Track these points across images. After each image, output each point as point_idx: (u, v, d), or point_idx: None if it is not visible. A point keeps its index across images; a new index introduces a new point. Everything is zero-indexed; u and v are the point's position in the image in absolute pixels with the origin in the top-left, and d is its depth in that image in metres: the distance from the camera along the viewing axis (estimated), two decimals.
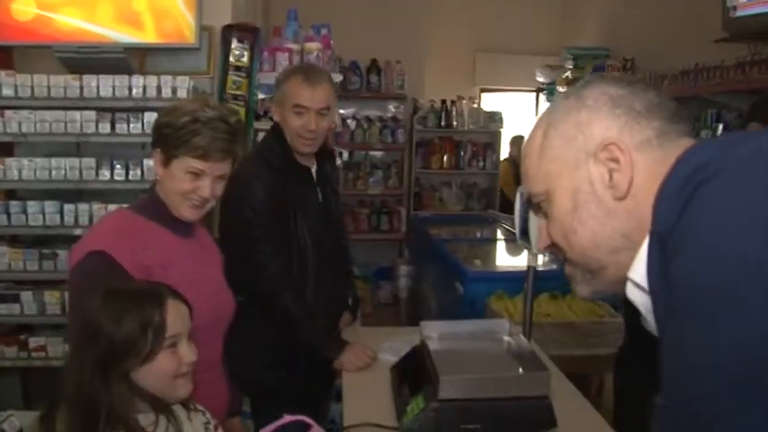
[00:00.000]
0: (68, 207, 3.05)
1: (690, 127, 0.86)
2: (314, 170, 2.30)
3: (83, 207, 3.06)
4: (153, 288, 1.33)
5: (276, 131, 2.24)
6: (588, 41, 6.10)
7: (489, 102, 6.99)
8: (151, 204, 1.67)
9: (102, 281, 1.52)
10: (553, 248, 0.92)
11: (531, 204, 0.93)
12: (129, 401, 1.24)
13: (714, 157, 0.74)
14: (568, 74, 5.87)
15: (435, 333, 1.89)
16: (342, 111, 5.79)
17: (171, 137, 1.58)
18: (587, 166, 0.85)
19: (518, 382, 1.61)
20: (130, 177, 3.05)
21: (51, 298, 3.12)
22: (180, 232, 1.68)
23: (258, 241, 2.12)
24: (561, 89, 6.02)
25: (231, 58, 3.36)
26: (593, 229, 0.85)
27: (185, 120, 1.57)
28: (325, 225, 2.28)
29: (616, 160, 0.82)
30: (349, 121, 6.07)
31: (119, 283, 1.35)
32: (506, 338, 1.92)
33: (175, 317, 1.30)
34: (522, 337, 1.85)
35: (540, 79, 6.51)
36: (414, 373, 1.78)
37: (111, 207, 3.06)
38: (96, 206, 3.06)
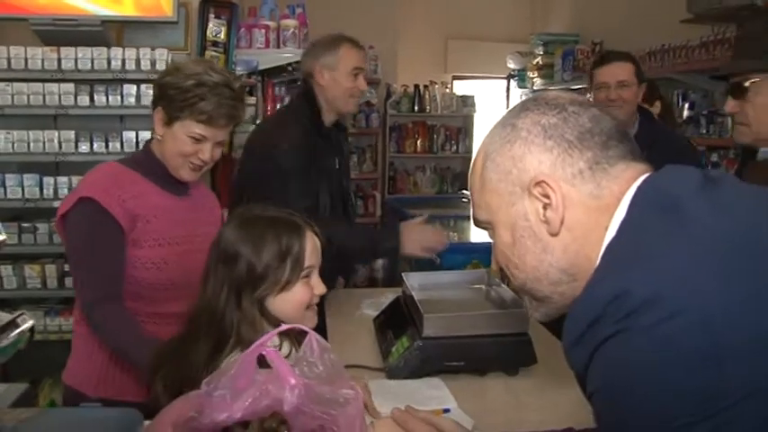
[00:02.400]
0: (47, 180, 3.05)
1: (628, 145, 0.86)
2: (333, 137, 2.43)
3: (62, 180, 3.06)
4: (291, 218, 1.33)
5: (308, 95, 2.34)
6: (558, 27, 6.22)
7: (461, 89, 7.07)
8: (146, 161, 1.70)
9: (94, 225, 1.59)
10: (503, 272, 0.95)
11: (479, 225, 0.95)
12: (257, 327, 1.25)
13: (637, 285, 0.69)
14: (539, 60, 5.98)
15: (417, 283, 1.96)
16: None
17: (175, 98, 1.59)
18: (522, 201, 0.85)
19: (498, 320, 1.69)
20: (110, 150, 3.05)
21: (31, 272, 3.11)
22: (172, 190, 1.72)
23: (291, 189, 2.18)
24: (532, 74, 6.14)
25: (208, 34, 3.38)
26: (532, 264, 0.86)
27: (191, 83, 1.58)
28: (339, 192, 2.40)
29: (548, 196, 0.82)
30: None
31: (255, 211, 1.35)
32: (485, 287, 1.99)
33: (312, 248, 1.31)
34: (502, 284, 1.93)
35: (511, 66, 6.62)
36: (397, 318, 1.85)
37: None
38: (76, 179, 3.05)
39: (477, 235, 4.44)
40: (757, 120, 1.55)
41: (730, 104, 1.61)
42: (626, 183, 0.82)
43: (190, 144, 1.62)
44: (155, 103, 1.66)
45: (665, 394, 0.66)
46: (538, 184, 0.83)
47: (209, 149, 1.65)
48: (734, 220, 0.74)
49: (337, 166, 2.41)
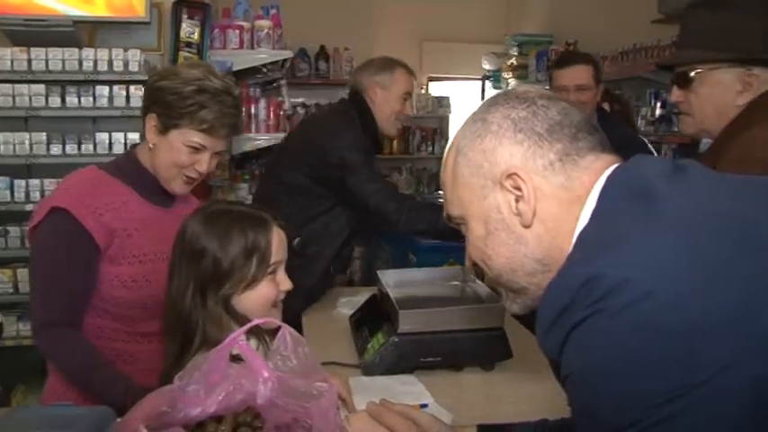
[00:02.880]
0: (18, 183, 3.00)
1: (597, 137, 0.87)
2: None
3: (34, 183, 3.01)
4: (258, 213, 1.30)
5: (360, 104, 2.37)
6: (532, 28, 6.27)
7: (437, 90, 7.10)
8: (130, 168, 1.58)
9: (63, 240, 1.48)
10: (477, 268, 0.95)
11: (451, 221, 0.97)
12: (223, 325, 1.23)
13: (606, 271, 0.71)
14: (513, 60, 6.02)
15: (392, 280, 1.96)
16: (291, 99, 5.80)
17: (174, 105, 1.48)
18: (494, 194, 0.86)
19: (474, 315, 1.70)
20: (83, 152, 3.02)
21: (3, 276, 3.06)
22: (157, 201, 1.61)
23: (366, 180, 2.22)
24: (506, 75, 6.18)
25: (182, 35, 3.36)
26: (506, 256, 0.88)
27: (191, 89, 1.48)
28: None
29: (519, 188, 0.84)
30: (298, 108, 6.09)
31: (221, 206, 1.32)
32: (460, 283, 2.00)
33: (278, 244, 1.28)
34: (477, 281, 1.94)
35: (487, 67, 6.65)
36: (373, 315, 1.85)
37: None
38: (48, 182, 3.01)
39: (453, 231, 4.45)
40: (701, 110, 1.55)
41: (675, 94, 1.61)
42: (596, 173, 0.84)
43: (187, 154, 1.51)
44: (147, 108, 1.54)
45: (638, 375, 0.67)
46: (509, 176, 0.85)
47: (206, 160, 1.54)
48: (701, 204, 0.76)
49: None
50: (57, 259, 1.49)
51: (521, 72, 5.88)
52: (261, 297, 1.27)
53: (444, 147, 4.46)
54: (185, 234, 1.27)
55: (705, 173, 0.85)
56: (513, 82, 6.08)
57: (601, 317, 0.69)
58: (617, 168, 0.84)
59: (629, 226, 0.75)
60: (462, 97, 7.06)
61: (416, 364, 1.67)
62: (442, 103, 6.42)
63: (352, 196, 2.23)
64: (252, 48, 3.48)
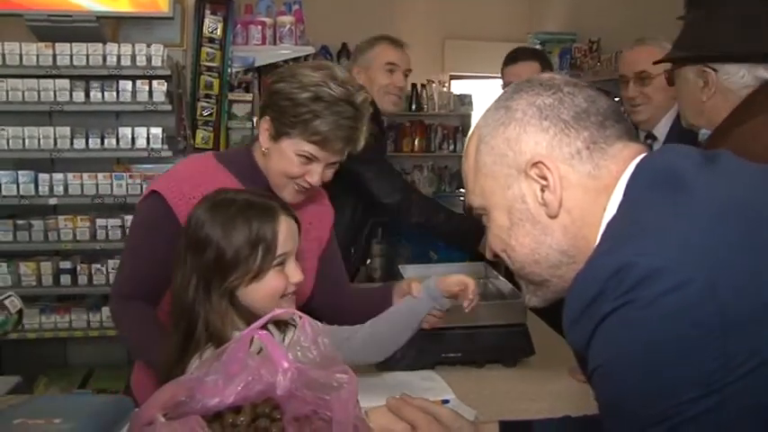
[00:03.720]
0: (43, 177, 3.04)
1: (625, 125, 0.84)
2: None
3: (58, 177, 3.05)
4: (265, 202, 1.25)
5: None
6: (555, 26, 6.21)
7: (459, 88, 7.07)
8: (243, 164, 1.51)
9: (150, 223, 1.47)
10: (500, 258, 0.92)
11: (473, 211, 0.94)
12: (227, 318, 1.19)
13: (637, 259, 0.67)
14: None
15: (414, 276, 1.93)
16: None
17: (287, 111, 1.39)
18: (519, 183, 0.84)
19: (496, 310, 1.67)
20: (105, 146, 3.05)
21: (27, 269, 3.10)
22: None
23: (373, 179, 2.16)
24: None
25: (204, 30, 3.37)
26: (531, 247, 0.85)
27: (306, 96, 1.38)
28: None
29: (545, 177, 0.81)
30: None
31: (228, 195, 1.26)
32: (482, 279, 1.97)
33: (286, 234, 1.22)
34: (500, 277, 1.91)
35: None
36: None
37: (86, 176, 3.06)
38: (71, 176, 3.05)
39: None
40: (680, 105, 1.66)
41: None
42: (624, 162, 0.81)
43: (297, 164, 1.41)
44: (263, 110, 1.47)
45: (670, 368, 0.65)
46: (534, 165, 0.82)
47: (319, 172, 1.42)
48: (735, 191, 0.73)
49: None
50: (141, 239, 1.49)
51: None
52: (268, 289, 1.21)
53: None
54: (189, 223, 1.24)
55: (737, 162, 0.82)
56: None
57: (632, 308, 0.66)
58: (645, 157, 0.81)
59: (659, 215, 0.72)
60: (484, 95, 7.02)
61: (437, 359, 1.65)
62: (464, 100, 6.38)
63: (364, 188, 2.19)
64: (274, 44, 3.49)
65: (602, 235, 0.78)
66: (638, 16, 4.68)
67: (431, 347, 1.63)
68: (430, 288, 1.44)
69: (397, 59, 2.31)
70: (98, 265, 3.14)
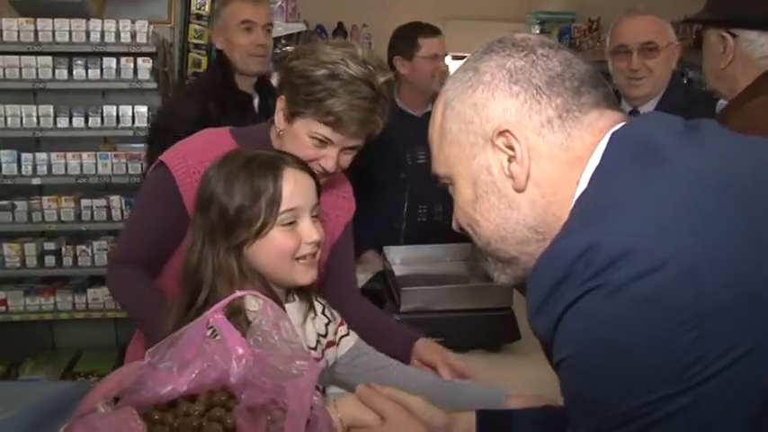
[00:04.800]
0: (26, 156, 2.98)
1: (603, 91, 0.77)
2: (256, 102, 2.26)
3: (41, 156, 2.99)
4: (271, 155, 1.19)
5: (220, 60, 2.23)
6: (555, 6, 6.11)
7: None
8: (259, 145, 1.39)
9: (154, 193, 1.46)
10: (464, 232, 0.86)
11: (439, 184, 0.87)
12: (234, 280, 1.14)
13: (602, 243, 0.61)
14: None
15: (398, 257, 1.89)
16: None
17: (301, 90, 1.31)
18: (485, 153, 0.77)
19: (480, 293, 1.62)
20: (90, 125, 2.98)
21: (10, 251, 3.04)
22: None
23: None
24: None
25: (192, 6, 3.29)
26: (497, 222, 0.78)
27: (322, 73, 1.29)
28: None
29: (512, 148, 0.75)
30: None
31: (238, 152, 1.22)
32: (469, 261, 1.92)
33: (294, 188, 1.15)
34: (487, 259, 1.85)
35: None
36: (376, 293, 1.78)
37: (71, 156, 3.00)
38: (55, 155, 2.99)
39: None
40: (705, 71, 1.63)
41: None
42: (599, 132, 0.74)
43: (311, 147, 1.33)
44: (279, 88, 1.40)
45: (644, 361, 0.58)
46: (501, 134, 0.75)
47: (333, 157, 1.34)
48: (716, 164, 0.66)
49: None
50: (142, 209, 1.50)
51: None
52: (276, 248, 1.14)
53: None
54: (201, 182, 1.21)
55: (720, 131, 0.75)
56: None
57: (600, 293, 0.59)
58: (622, 126, 0.74)
59: (633, 188, 0.65)
60: None
61: None
62: None
63: None
64: None
65: (571, 211, 0.72)
66: None
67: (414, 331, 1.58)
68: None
69: (252, 15, 2.18)
70: (83, 246, 3.09)
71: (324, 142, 1.33)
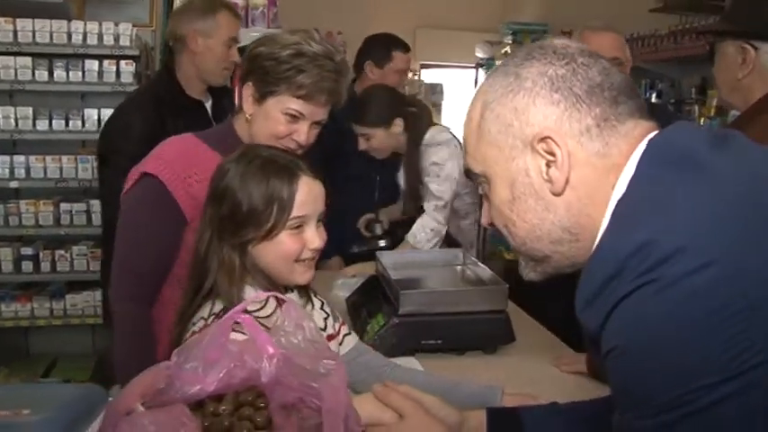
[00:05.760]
0: (3, 159, 2.93)
1: (638, 102, 0.81)
2: (208, 105, 2.26)
3: (19, 159, 2.94)
4: (289, 160, 1.23)
5: (168, 63, 2.21)
6: (528, 17, 6.22)
7: (429, 77, 7.04)
8: (226, 139, 1.50)
9: (149, 209, 1.45)
10: (494, 228, 0.89)
11: (471, 177, 0.90)
12: (235, 276, 1.17)
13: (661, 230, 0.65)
14: (507, 49, 5.96)
15: (390, 262, 1.90)
16: None
17: (270, 70, 1.41)
18: (524, 156, 0.80)
19: (477, 297, 1.65)
20: (70, 128, 2.94)
21: None
22: None
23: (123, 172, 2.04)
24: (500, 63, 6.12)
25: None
26: (533, 223, 0.82)
27: (288, 53, 1.40)
28: None
29: (552, 153, 0.78)
30: None
31: (257, 150, 1.25)
32: (460, 266, 1.95)
33: (306, 196, 1.19)
34: (479, 263, 1.89)
35: (480, 55, 6.60)
36: (371, 297, 1.79)
37: (50, 159, 2.96)
38: (33, 158, 2.94)
39: None
40: (718, 81, 1.63)
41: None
42: (635, 141, 0.78)
43: (284, 123, 1.43)
44: (244, 78, 1.48)
45: (692, 350, 0.62)
46: (542, 140, 0.78)
47: (305, 130, 1.44)
48: (752, 171, 0.71)
49: None
50: (140, 227, 1.45)
51: None
52: (281, 251, 1.19)
53: None
54: (216, 172, 1.23)
55: (747, 141, 0.80)
56: None
57: (654, 287, 0.63)
58: (657, 134, 0.78)
59: (680, 191, 0.69)
60: (455, 85, 7.01)
61: (417, 346, 1.62)
62: (435, 89, 6.37)
63: None
64: (246, 26, 3.38)
65: (614, 213, 0.75)
66: (613, 8, 4.70)
67: (410, 334, 1.61)
68: None
69: (237, 33, 2.23)
70: (62, 252, 3.04)
71: (296, 117, 1.43)
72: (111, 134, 2.13)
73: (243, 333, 0.93)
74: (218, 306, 1.17)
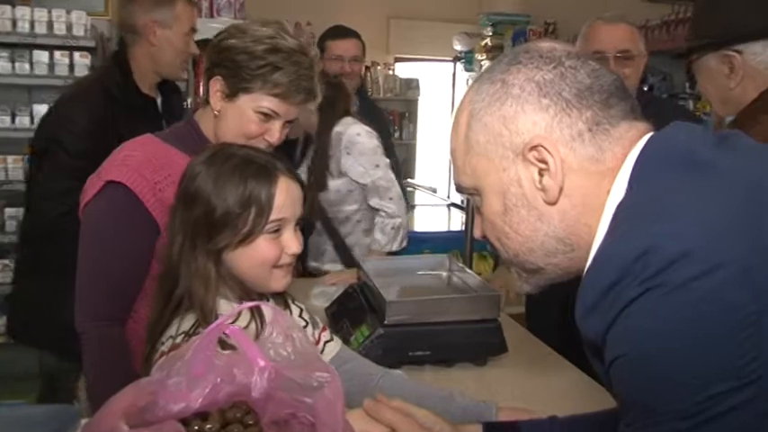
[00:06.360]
0: None
1: (630, 103, 0.84)
2: (158, 101, 2.23)
3: None
4: (266, 160, 1.23)
5: (120, 56, 2.16)
6: (508, 7, 6.27)
7: (404, 71, 7.07)
8: (189, 137, 1.50)
9: (120, 220, 1.42)
10: (486, 240, 0.92)
11: (462, 191, 0.93)
12: (210, 284, 1.17)
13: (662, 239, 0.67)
14: (487, 41, 6.02)
15: (374, 269, 1.91)
16: None
17: (244, 66, 1.40)
18: (515, 166, 0.83)
19: (467, 305, 1.67)
20: (17, 125, 2.90)
21: None
22: None
23: (65, 169, 1.96)
24: (480, 57, 6.18)
25: None
26: (525, 234, 0.85)
27: (263, 48, 1.39)
28: None
29: (545, 161, 0.80)
30: None
31: (229, 149, 1.24)
32: (446, 273, 1.97)
33: (285, 198, 1.19)
34: (466, 269, 1.91)
35: (458, 47, 6.64)
36: (354, 306, 1.80)
37: None
38: None
39: (425, 221, 4.46)
40: (708, 97, 1.65)
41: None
42: (629, 143, 0.81)
43: (257, 122, 1.43)
44: (211, 70, 1.46)
45: (703, 356, 0.64)
46: (533, 148, 0.81)
47: (278, 129, 1.45)
48: (756, 170, 0.74)
49: None
50: (110, 241, 1.41)
51: (495, 53, 5.88)
52: (258, 256, 1.19)
53: (413, 132, 4.51)
54: (185, 174, 1.22)
55: (749, 140, 0.83)
56: (486, 64, 6.08)
57: (660, 292, 0.66)
58: (653, 137, 0.81)
59: (680, 193, 0.72)
60: (432, 80, 7.05)
61: (404, 358, 1.63)
62: (411, 85, 6.40)
63: None
64: (211, 16, 3.40)
65: (614, 218, 0.78)
66: None
67: (397, 345, 1.62)
68: None
69: (195, 23, 2.21)
70: (6, 261, 2.99)
71: (269, 116, 1.43)
72: (50, 126, 2.07)
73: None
74: (187, 323, 1.17)
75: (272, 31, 1.41)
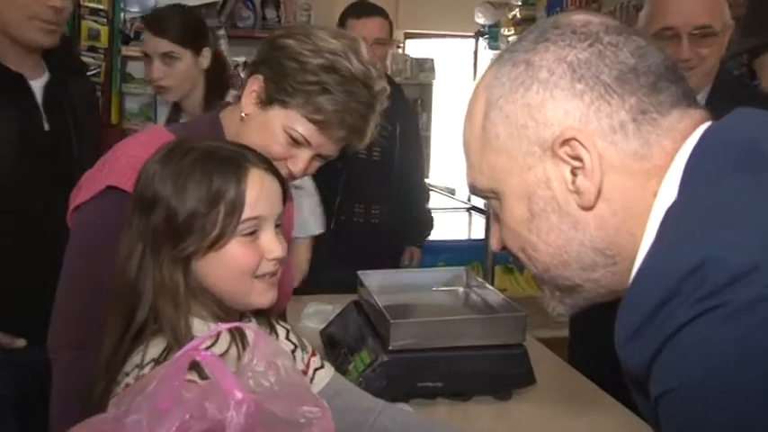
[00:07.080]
0: None
1: (682, 86, 0.82)
2: (39, 83, 2.03)
3: None
4: (232, 150, 1.22)
5: None
6: None
7: (416, 50, 7.10)
8: (210, 137, 1.40)
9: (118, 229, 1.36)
10: (508, 252, 0.91)
11: (476, 193, 0.92)
12: (180, 297, 1.16)
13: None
14: (516, 12, 6.03)
15: (376, 284, 1.92)
16: (231, 57, 5.73)
17: (290, 74, 1.38)
18: (543, 164, 0.82)
19: (486, 327, 1.68)
20: None
21: None
22: None
23: None
24: (507, 32, 6.20)
25: None
26: (557, 245, 0.83)
27: (320, 62, 1.37)
28: (52, 166, 1.99)
29: (579, 158, 0.79)
30: (239, 69, 6.00)
31: (187, 143, 1.23)
32: (463, 289, 1.98)
33: (259, 193, 1.18)
34: (486, 284, 1.92)
35: (481, 21, 6.65)
36: (353, 329, 1.81)
37: None
38: None
39: (442, 228, 4.44)
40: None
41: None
42: (681, 136, 0.79)
43: (283, 143, 1.40)
44: (255, 65, 1.45)
45: None
46: (565, 142, 0.79)
47: (305, 160, 1.41)
48: None
49: (48, 128, 2.00)
50: (107, 253, 1.35)
51: (526, 27, 5.88)
52: (232, 263, 1.17)
53: (427, 122, 4.55)
54: (139, 177, 1.21)
55: None
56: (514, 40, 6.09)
57: (719, 314, 0.64)
58: (711, 127, 0.80)
59: (743, 197, 0.71)
60: (449, 60, 7.08)
61: (411, 390, 1.65)
62: (424, 66, 6.43)
63: None
64: None
65: (661, 225, 0.77)
66: None
67: (404, 374, 1.63)
68: None
69: None
70: None
71: (299, 142, 1.39)
72: None
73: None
74: (155, 349, 1.16)
75: (340, 46, 1.39)
